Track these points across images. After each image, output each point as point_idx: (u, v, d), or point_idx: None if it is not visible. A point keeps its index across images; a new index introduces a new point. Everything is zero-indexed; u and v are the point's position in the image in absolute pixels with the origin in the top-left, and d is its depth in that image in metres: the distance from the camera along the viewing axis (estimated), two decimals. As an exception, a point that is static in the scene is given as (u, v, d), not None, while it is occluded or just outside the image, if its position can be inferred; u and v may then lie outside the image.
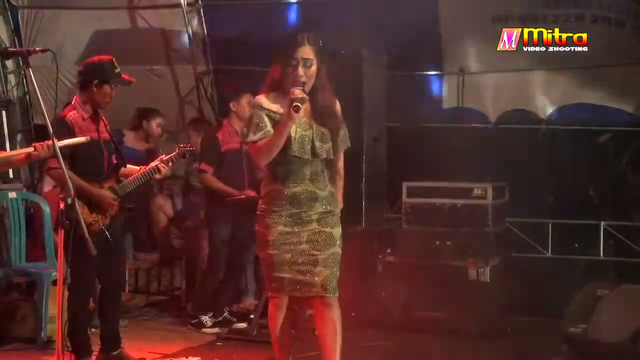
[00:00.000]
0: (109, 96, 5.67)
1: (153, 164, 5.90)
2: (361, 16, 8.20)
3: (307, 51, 4.53)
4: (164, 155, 6.03)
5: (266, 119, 4.53)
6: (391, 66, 7.62)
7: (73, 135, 5.32)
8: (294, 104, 4.36)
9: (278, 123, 4.48)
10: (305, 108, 4.51)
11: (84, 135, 5.35)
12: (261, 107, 4.56)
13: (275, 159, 4.51)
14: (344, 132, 4.75)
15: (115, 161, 5.78)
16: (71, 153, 5.36)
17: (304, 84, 4.49)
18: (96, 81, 5.59)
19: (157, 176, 5.96)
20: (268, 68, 8.17)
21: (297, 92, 4.40)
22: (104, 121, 5.78)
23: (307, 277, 4.57)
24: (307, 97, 4.45)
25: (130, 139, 8.13)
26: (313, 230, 4.58)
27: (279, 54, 4.59)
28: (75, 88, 5.80)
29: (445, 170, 7.76)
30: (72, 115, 5.56)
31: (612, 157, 8.31)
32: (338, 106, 4.75)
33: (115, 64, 5.68)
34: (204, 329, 6.98)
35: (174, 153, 6.07)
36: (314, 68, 4.55)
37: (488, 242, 7.24)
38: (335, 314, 4.64)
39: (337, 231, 4.68)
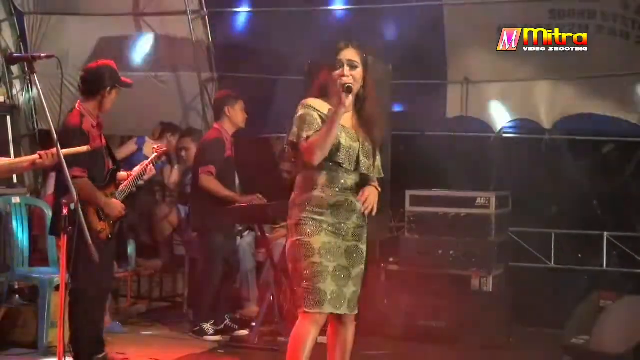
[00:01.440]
0: (114, 101, 5.73)
1: (138, 168, 6.04)
2: (366, 24, 8.21)
3: (351, 53, 4.46)
4: (144, 162, 6.16)
5: (319, 119, 4.40)
6: (396, 74, 7.62)
7: (88, 145, 5.35)
8: (346, 85, 4.30)
9: None
10: (351, 118, 4.49)
11: (94, 143, 5.48)
12: (314, 108, 4.43)
13: (320, 164, 4.38)
14: (379, 159, 4.66)
15: (111, 166, 5.80)
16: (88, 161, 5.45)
17: (350, 84, 4.38)
18: (108, 88, 5.63)
19: (145, 177, 6.11)
20: (272, 75, 8.24)
21: (346, 79, 4.34)
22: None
23: (340, 291, 4.39)
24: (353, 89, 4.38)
25: (150, 149, 8.16)
26: (349, 245, 4.47)
27: (324, 58, 4.52)
28: (80, 94, 5.78)
29: (448, 179, 7.76)
30: (85, 124, 5.56)
31: (616, 168, 8.30)
32: (383, 124, 4.71)
33: (116, 68, 5.75)
34: (206, 337, 6.96)
35: (153, 157, 6.17)
36: (359, 71, 4.46)
37: (491, 252, 7.22)
38: (350, 333, 4.58)
39: (365, 247, 4.63)
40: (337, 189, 4.41)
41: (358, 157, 4.45)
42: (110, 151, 5.90)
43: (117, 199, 5.74)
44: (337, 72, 4.41)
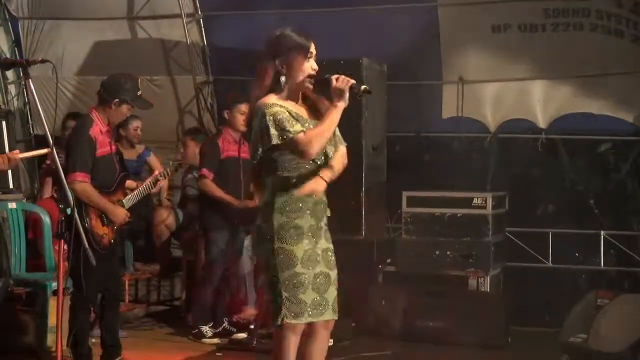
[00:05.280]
0: (125, 116, 5.81)
1: (151, 177, 6.10)
2: (361, 25, 8.21)
3: (314, 46, 4.29)
4: (156, 172, 6.17)
5: (289, 115, 4.12)
6: (391, 75, 7.62)
7: (95, 151, 5.55)
8: (364, 86, 4.18)
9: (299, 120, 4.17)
10: (305, 110, 4.27)
11: (102, 151, 5.61)
12: (279, 105, 4.14)
13: (292, 165, 4.17)
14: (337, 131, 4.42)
15: (120, 173, 5.83)
16: (92, 166, 5.54)
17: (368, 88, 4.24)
18: (116, 100, 5.64)
19: (154, 190, 6.11)
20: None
21: (347, 77, 4.15)
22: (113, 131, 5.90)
23: (321, 298, 4.18)
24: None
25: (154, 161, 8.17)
26: (324, 248, 4.25)
27: (293, 45, 4.20)
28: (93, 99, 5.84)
29: (445, 180, 7.76)
30: (93, 130, 5.62)
31: (612, 167, 8.31)
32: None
33: (139, 85, 5.76)
34: (204, 339, 6.96)
35: (168, 168, 6.29)
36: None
37: (488, 252, 7.23)
38: (328, 336, 4.37)
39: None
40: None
41: (326, 149, 4.25)
42: (121, 157, 5.92)
43: (124, 206, 5.79)
44: (309, 64, 4.21)
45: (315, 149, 4.11)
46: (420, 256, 7.34)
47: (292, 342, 4.20)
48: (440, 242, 7.32)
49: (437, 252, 7.30)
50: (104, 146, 5.64)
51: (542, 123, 8.12)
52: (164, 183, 6.31)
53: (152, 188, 6.13)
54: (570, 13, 7.82)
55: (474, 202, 7.35)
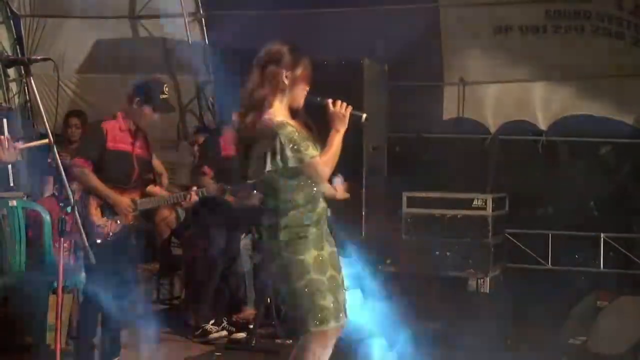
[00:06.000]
0: (148, 117, 5.75)
1: (185, 192, 6.07)
2: (362, 25, 8.22)
3: None
4: (195, 187, 6.14)
5: (299, 135, 4.15)
6: (392, 76, 7.63)
7: (104, 142, 5.58)
8: (365, 115, 4.36)
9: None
10: (300, 127, 4.27)
11: (116, 145, 5.62)
12: (291, 125, 4.16)
13: (294, 187, 4.19)
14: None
15: (141, 174, 5.82)
16: (99, 158, 5.58)
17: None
18: (137, 99, 5.68)
19: (183, 203, 6.10)
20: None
21: (344, 104, 4.27)
22: (145, 137, 5.85)
23: (337, 302, 4.20)
24: None
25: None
26: (329, 251, 4.27)
27: (301, 62, 4.26)
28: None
29: (445, 181, 7.77)
30: (109, 124, 5.68)
31: (613, 169, 8.32)
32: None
33: (165, 90, 5.77)
34: (212, 335, 6.96)
35: (212, 189, 6.29)
36: None
37: (488, 253, 7.24)
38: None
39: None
40: (314, 203, 4.23)
41: None
42: (146, 161, 5.89)
43: (137, 205, 5.79)
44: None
45: (328, 173, 4.23)
46: (420, 257, 7.34)
47: (316, 353, 4.19)
48: (440, 242, 7.32)
49: (437, 253, 7.30)
50: (120, 142, 5.65)
51: (542, 125, 8.13)
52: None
53: (178, 200, 6.10)
54: (572, 15, 7.84)
55: (474, 203, 7.35)
